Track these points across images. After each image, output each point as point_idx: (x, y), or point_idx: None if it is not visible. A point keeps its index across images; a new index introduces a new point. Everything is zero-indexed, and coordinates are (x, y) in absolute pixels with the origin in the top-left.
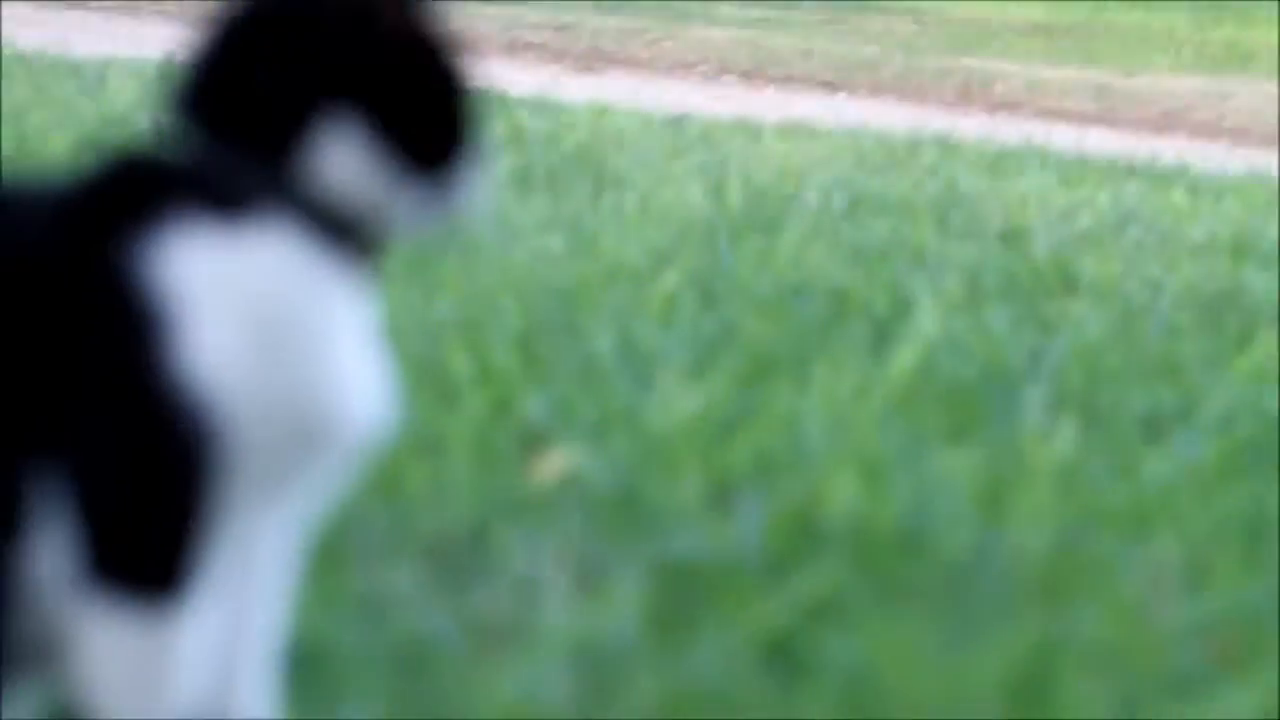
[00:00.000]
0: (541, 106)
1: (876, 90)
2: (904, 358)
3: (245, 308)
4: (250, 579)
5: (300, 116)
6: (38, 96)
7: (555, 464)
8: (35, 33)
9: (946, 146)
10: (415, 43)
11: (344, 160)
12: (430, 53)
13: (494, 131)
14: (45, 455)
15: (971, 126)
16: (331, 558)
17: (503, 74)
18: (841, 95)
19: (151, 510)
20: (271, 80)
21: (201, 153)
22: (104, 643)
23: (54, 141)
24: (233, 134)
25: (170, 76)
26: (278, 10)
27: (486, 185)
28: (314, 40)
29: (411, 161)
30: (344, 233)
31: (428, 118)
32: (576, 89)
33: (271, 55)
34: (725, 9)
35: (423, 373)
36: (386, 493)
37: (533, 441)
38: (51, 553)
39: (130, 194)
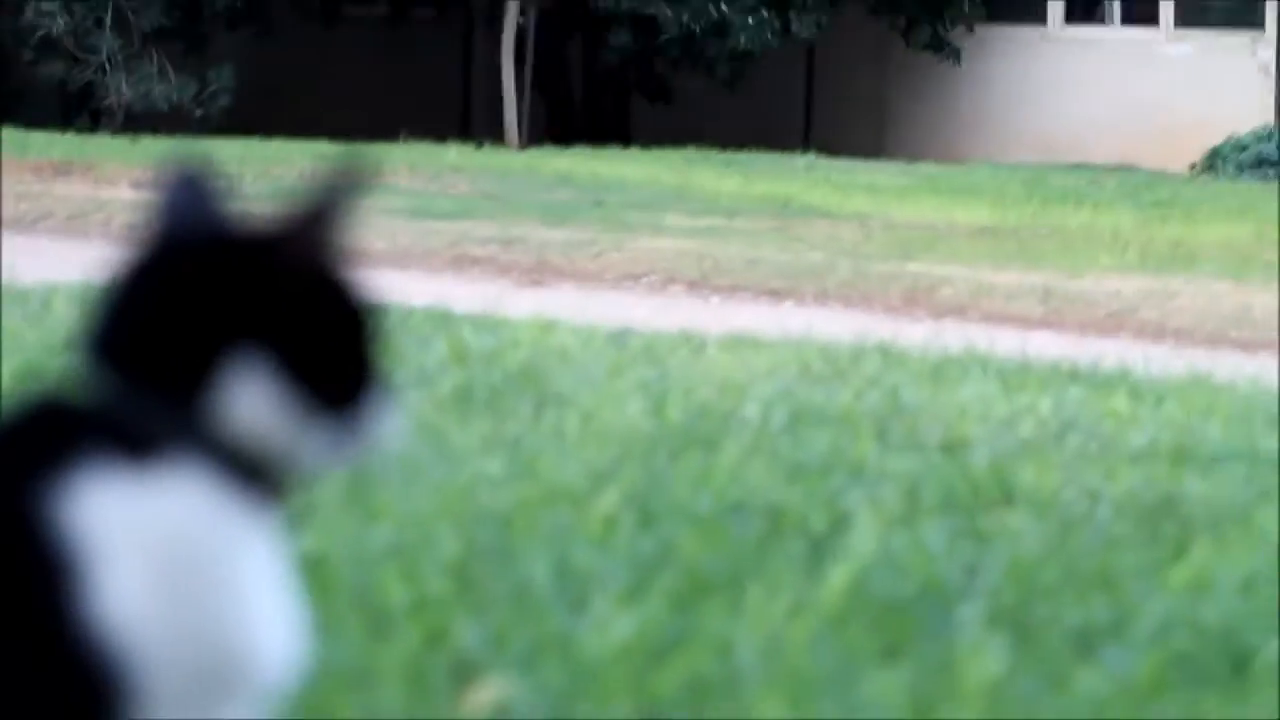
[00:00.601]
0: (485, 324)
1: (823, 297)
2: (839, 577)
3: (155, 551)
4: None
5: (206, 358)
6: None
7: (487, 694)
8: None
9: (889, 355)
10: (316, 282)
11: (251, 400)
12: (332, 289)
13: (437, 351)
14: None
15: (917, 332)
16: None
17: (448, 289)
18: (788, 303)
19: None
20: (177, 322)
21: (112, 395)
22: None
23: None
24: (142, 375)
25: (82, 317)
26: (183, 252)
27: (395, 418)
28: (217, 282)
29: (319, 398)
30: (253, 471)
31: (333, 355)
32: (522, 303)
33: (177, 297)
34: (672, 219)
35: (356, 602)
36: None
37: (466, 671)
38: None
39: (40, 438)
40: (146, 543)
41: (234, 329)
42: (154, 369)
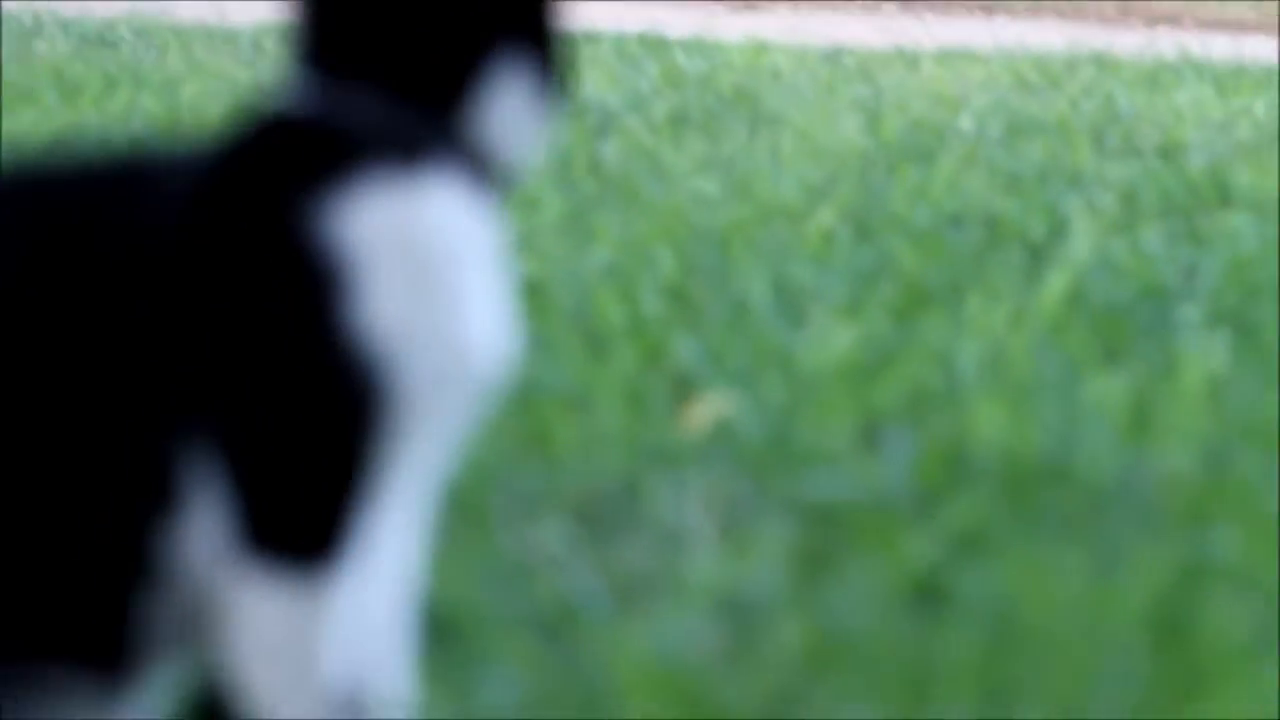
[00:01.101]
0: (698, 46)
1: (1036, 9)
2: (1058, 283)
3: (413, 261)
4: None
5: (469, 60)
6: (193, 67)
7: (706, 411)
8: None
9: (1104, 63)
10: None
11: (510, 102)
12: None
13: (650, 75)
14: (198, 425)
15: (1130, 42)
16: (478, 517)
17: (658, 13)
18: (1000, 16)
19: (321, 473)
20: (433, 24)
21: (352, 103)
22: (261, 614)
23: (209, 112)
24: (385, 80)
25: (305, 29)
26: None
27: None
28: None
29: (550, 97)
30: (492, 174)
31: (558, 49)
32: (734, 25)
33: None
34: None
35: (574, 324)
36: (535, 448)
37: (684, 388)
38: (203, 526)
39: (288, 151)
40: (404, 253)
41: (497, 26)
42: (412, 75)
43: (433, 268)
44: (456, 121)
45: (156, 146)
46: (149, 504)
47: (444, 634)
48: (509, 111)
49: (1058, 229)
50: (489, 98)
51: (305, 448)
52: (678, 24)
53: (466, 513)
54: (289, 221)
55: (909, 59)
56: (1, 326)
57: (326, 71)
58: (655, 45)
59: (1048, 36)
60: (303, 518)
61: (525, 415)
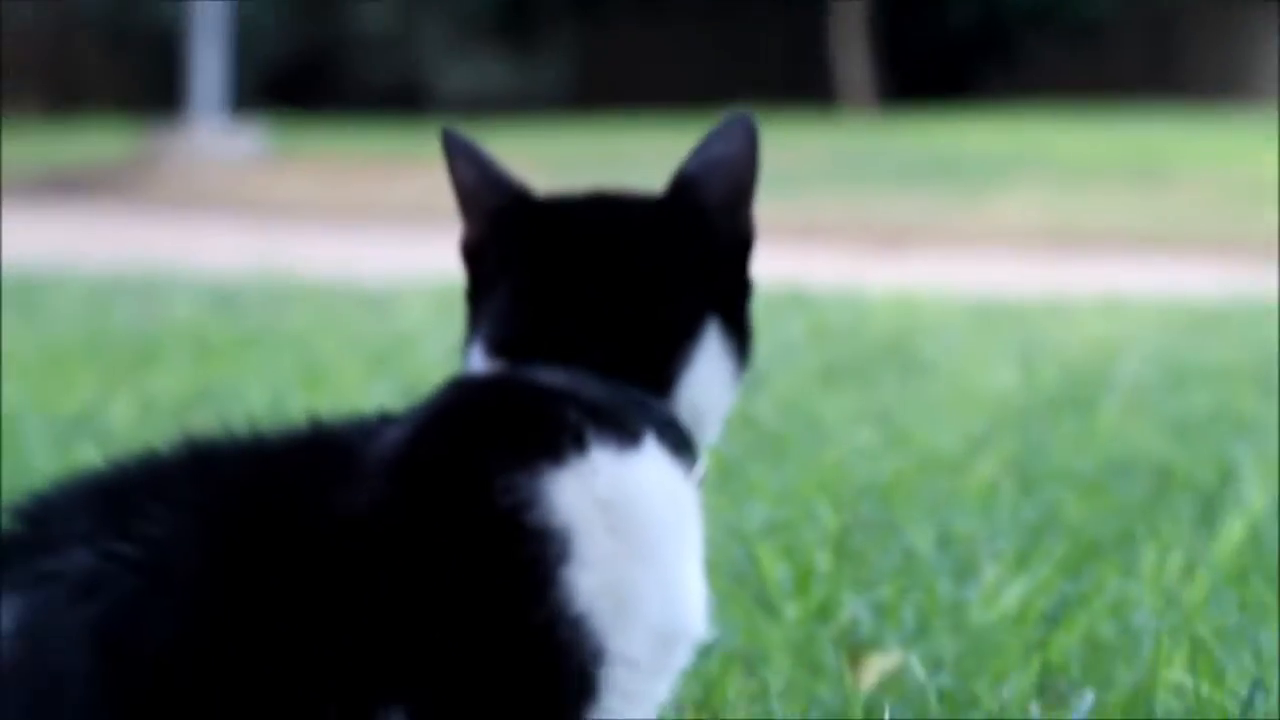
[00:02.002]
0: (843, 295)
1: (1183, 251)
2: (1232, 531)
3: (630, 530)
4: None
5: (676, 337)
6: (325, 324)
7: (878, 667)
8: (323, 254)
9: (1263, 305)
10: (742, 240)
11: (711, 369)
12: (748, 253)
13: (797, 327)
14: (400, 699)
15: None
16: None
17: (801, 262)
18: (1150, 259)
19: None
20: (638, 297)
21: (561, 376)
22: None
23: (344, 370)
24: (592, 356)
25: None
26: (612, 225)
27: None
28: (671, 251)
29: (742, 360)
30: (689, 441)
31: (748, 321)
32: (879, 272)
33: (640, 274)
34: (1028, 177)
35: (739, 581)
36: (707, 707)
37: (855, 645)
38: None
39: (495, 418)
40: (625, 518)
41: (698, 295)
42: (621, 351)
43: (650, 536)
44: (662, 395)
45: (335, 420)
46: None
47: None
48: (710, 383)
49: (1228, 475)
50: (692, 372)
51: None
52: (821, 270)
53: None
54: (501, 489)
55: (1058, 303)
56: (205, 600)
57: (529, 346)
58: (798, 294)
59: (1197, 277)
60: None
61: (694, 675)
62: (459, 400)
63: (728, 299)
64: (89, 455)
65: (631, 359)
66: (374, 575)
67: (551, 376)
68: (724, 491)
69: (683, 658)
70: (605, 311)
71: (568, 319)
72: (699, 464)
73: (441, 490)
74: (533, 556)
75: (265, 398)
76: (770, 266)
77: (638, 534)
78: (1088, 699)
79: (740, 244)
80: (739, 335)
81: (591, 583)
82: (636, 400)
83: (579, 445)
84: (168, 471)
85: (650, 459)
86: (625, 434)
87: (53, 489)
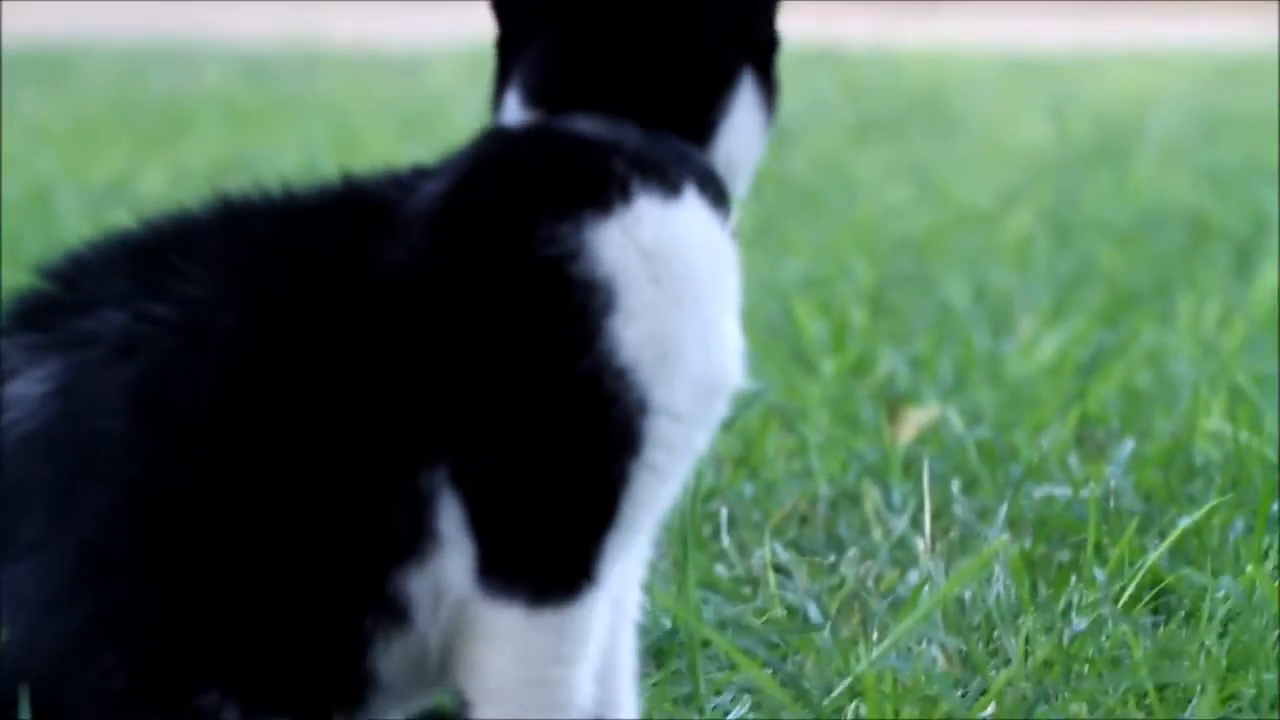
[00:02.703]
0: (874, 52)
1: (1215, 1)
2: (1268, 278)
3: (672, 279)
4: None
5: (711, 87)
6: (355, 87)
7: (916, 420)
8: (351, 21)
9: None
10: None
11: (747, 121)
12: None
13: (830, 84)
14: (445, 457)
15: None
16: (694, 536)
17: (832, 17)
18: (1182, 8)
19: (578, 500)
20: (678, 45)
21: (599, 126)
22: (514, 645)
23: (375, 135)
24: (628, 107)
25: (540, 58)
26: None
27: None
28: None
29: (771, 114)
30: (725, 193)
31: (777, 71)
32: (909, 30)
33: (666, 17)
34: None
35: (776, 335)
36: (746, 462)
37: (892, 399)
38: (449, 561)
39: (539, 168)
40: (666, 268)
41: (737, 48)
42: (657, 102)
43: (693, 287)
44: (700, 146)
45: (364, 174)
46: (393, 541)
47: (667, 654)
48: (745, 135)
49: (1262, 224)
50: (729, 122)
51: (563, 474)
52: (852, 28)
53: (682, 532)
54: (546, 239)
55: (1092, 57)
56: (243, 360)
57: (568, 94)
58: (832, 53)
59: (1231, 29)
60: (559, 547)
61: (734, 430)
62: (498, 151)
63: (761, 49)
64: (122, 221)
65: (672, 107)
66: (415, 330)
67: (592, 126)
68: (760, 247)
69: (721, 408)
70: (645, 59)
71: (608, 66)
72: (733, 216)
73: (483, 242)
74: (578, 307)
75: (297, 163)
76: (801, 23)
77: (681, 285)
78: (1126, 447)
79: None
80: (769, 87)
81: (636, 333)
82: (677, 150)
83: (624, 195)
84: (202, 229)
85: (692, 209)
86: (668, 184)
87: (85, 248)
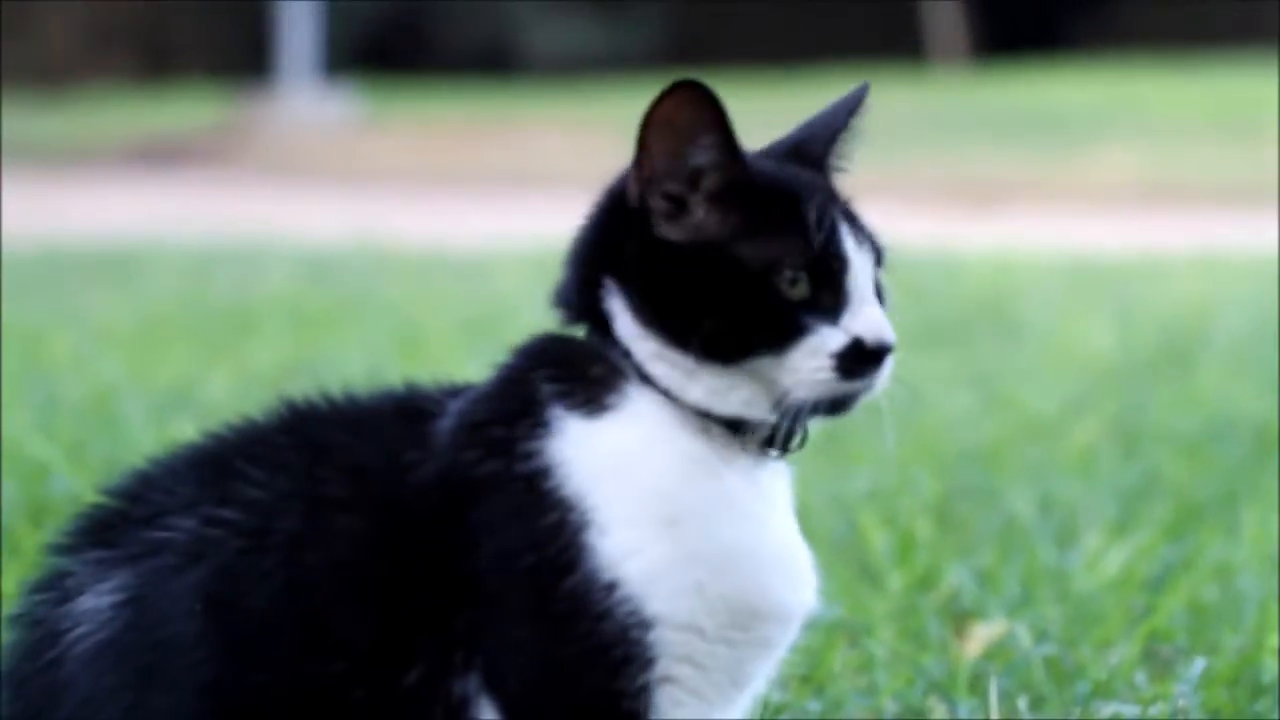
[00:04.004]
0: (936, 255)
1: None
2: None
3: (647, 492)
4: None
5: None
6: (420, 290)
7: (983, 636)
8: (416, 221)
9: None
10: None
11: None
12: None
13: (891, 287)
14: (474, 664)
15: None
16: None
17: (893, 221)
18: (1247, 212)
19: (593, 711)
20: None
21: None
22: None
23: (440, 335)
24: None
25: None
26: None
27: None
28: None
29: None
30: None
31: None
32: (970, 232)
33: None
34: (1124, 131)
35: (840, 549)
36: (812, 680)
37: (958, 614)
38: None
39: (525, 391)
40: (636, 486)
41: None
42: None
43: (671, 505)
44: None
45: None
46: None
47: None
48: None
49: None
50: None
51: (574, 685)
52: (913, 230)
53: None
54: (522, 455)
55: (1156, 261)
56: (307, 561)
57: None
58: (894, 257)
59: None
60: None
61: (799, 648)
62: (503, 368)
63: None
64: (186, 428)
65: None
66: (440, 540)
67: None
68: (824, 458)
69: (773, 633)
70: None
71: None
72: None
73: (480, 460)
74: (557, 531)
75: (362, 367)
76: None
77: (657, 502)
78: (1197, 666)
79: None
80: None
81: (623, 553)
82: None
83: (597, 407)
84: (265, 435)
85: (653, 423)
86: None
87: (150, 463)
